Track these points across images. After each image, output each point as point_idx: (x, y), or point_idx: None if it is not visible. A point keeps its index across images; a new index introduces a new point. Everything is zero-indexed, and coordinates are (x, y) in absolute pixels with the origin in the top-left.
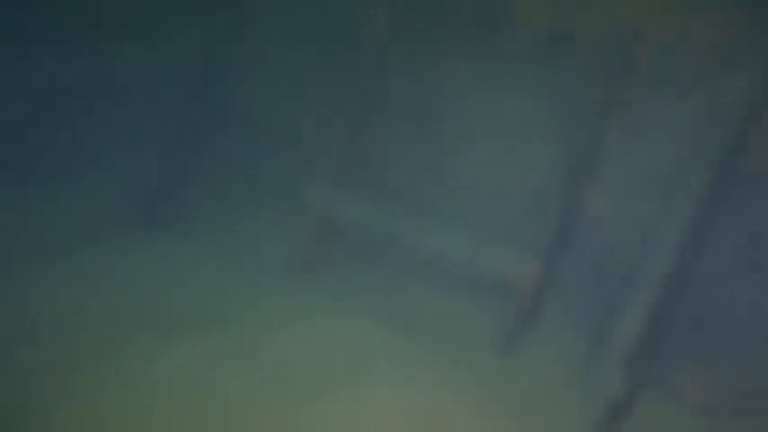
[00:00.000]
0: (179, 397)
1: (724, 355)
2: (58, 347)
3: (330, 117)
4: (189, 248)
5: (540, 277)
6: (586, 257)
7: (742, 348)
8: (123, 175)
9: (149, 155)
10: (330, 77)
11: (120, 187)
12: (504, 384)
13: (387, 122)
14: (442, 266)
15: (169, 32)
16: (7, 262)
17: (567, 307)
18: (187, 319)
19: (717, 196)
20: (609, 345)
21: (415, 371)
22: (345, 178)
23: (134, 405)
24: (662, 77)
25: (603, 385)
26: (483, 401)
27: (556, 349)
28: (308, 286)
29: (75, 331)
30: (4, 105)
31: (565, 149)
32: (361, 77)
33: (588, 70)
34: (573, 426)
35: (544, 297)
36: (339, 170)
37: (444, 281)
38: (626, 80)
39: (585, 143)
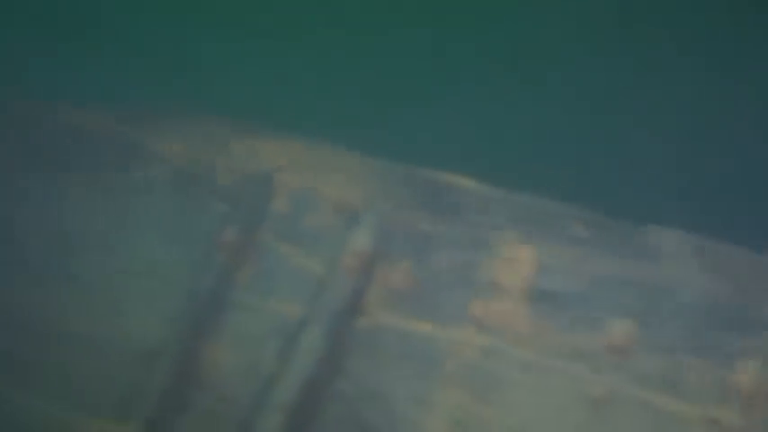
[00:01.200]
0: None
1: None
2: None
3: None
4: None
5: None
6: (203, 415)
7: None
8: None
9: None
10: None
11: None
12: None
13: None
14: None
15: None
16: None
17: None
18: None
19: (335, 351)
20: None
21: None
22: None
23: None
24: (296, 228)
25: None
26: None
27: None
28: None
29: None
30: None
31: (189, 295)
32: None
33: (221, 214)
34: None
35: None
36: None
37: None
38: (258, 227)
39: (212, 289)
